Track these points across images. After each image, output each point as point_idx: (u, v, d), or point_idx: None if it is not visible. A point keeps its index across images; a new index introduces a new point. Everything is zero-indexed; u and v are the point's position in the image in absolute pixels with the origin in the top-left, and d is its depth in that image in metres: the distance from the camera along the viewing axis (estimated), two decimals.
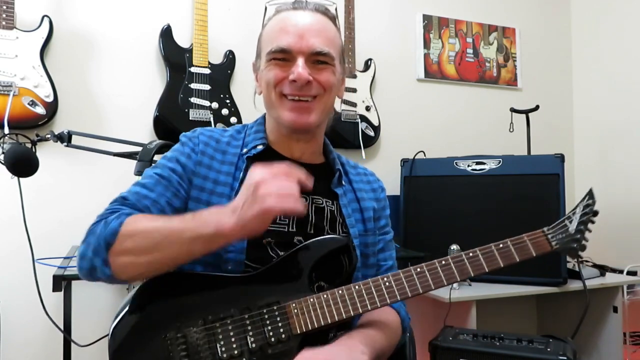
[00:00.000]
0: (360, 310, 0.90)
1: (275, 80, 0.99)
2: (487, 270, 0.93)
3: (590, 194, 0.97)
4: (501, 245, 0.94)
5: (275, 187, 0.82)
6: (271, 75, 1.00)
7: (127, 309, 0.91)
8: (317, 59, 0.99)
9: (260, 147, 1.04)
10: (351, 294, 0.91)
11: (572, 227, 0.94)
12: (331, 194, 1.08)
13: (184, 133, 1.08)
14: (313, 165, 1.07)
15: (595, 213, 0.95)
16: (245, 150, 1.04)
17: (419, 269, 0.93)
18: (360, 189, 1.13)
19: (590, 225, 0.96)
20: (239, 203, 0.84)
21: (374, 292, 0.91)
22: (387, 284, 0.92)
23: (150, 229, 0.88)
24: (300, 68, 0.96)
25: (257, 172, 0.84)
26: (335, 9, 1.11)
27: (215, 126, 2.13)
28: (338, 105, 1.13)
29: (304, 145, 1.06)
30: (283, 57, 0.98)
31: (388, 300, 0.91)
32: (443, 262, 0.94)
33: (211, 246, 0.87)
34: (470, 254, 0.94)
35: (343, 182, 1.10)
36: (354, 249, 1.02)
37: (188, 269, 0.95)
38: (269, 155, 1.05)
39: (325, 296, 0.90)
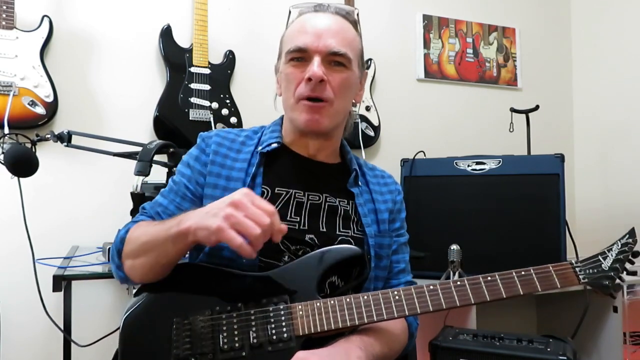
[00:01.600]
0: (366, 320, 0.90)
1: (292, 80, 1.01)
2: (504, 297, 0.89)
3: (631, 233, 0.94)
4: (523, 273, 0.90)
5: (242, 217, 0.81)
6: (289, 74, 1.02)
7: (144, 293, 0.95)
8: (333, 60, 1.00)
9: (274, 145, 1.06)
10: (358, 303, 0.90)
11: (607, 264, 0.91)
12: (346, 193, 1.08)
13: (201, 133, 1.11)
14: (329, 165, 1.10)
15: (635, 254, 0.91)
16: (260, 148, 1.07)
17: (431, 287, 0.91)
18: (376, 190, 1.13)
19: (627, 265, 0.92)
20: (210, 208, 0.85)
21: (382, 305, 0.90)
22: (396, 297, 0.91)
23: (141, 233, 0.94)
24: (315, 66, 0.97)
25: (242, 192, 0.84)
26: (357, 14, 1.12)
27: (215, 126, 2.13)
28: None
29: (319, 145, 1.08)
30: (300, 56, 1.00)
31: (395, 315, 0.90)
32: (458, 283, 0.91)
33: (179, 245, 0.88)
34: (489, 278, 0.91)
35: (359, 183, 1.11)
36: (369, 259, 1.02)
37: (216, 253, 0.98)
38: (283, 153, 1.08)
39: (332, 302, 0.90)
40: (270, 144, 1.06)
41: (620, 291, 2.05)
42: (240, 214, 0.81)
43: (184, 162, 1.08)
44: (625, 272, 0.92)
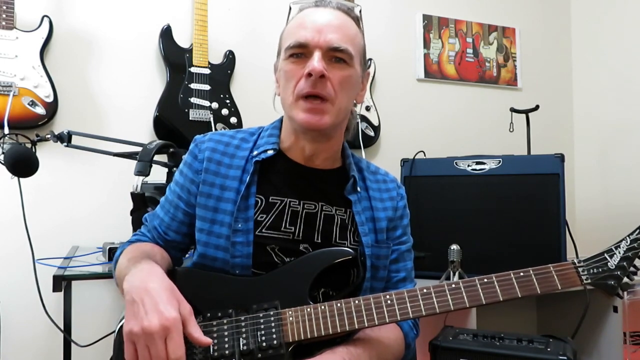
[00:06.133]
0: (356, 326, 0.88)
1: (292, 77, 0.97)
2: (501, 300, 0.86)
3: None
4: (521, 274, 0.87)
5: (142, 345, 0.77)
6: (288, 71, 0.97)
7: None
8: (334, 56, 0.95)
9: (270, 152, 1.02)
10: (349, 309, 0.88)
11: (613, 262, 0.85)
12: (344, 201, 1.04)
13: (195, 136, 1.08)
14: (327, 171, 1.06)
15: None
16: (255, 152, 1.03)
17: (425, 290, 0.89)
18: (376, 197, 1.08)
19: (637, 262, 0.86)
20: (140, 301, 0.81)
21: (373, 309, 0.88)
22: (388, 302, 0.88)
23: (120, 264, 0.98)
24: (315, 61, 0.93)
25: (169, 317, 0.78)
26: (360, 11, 1.08)
27: (215, 126, 2.13)
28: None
29: (316, 148, 1.02)
30: (300, 52, 0.96)
31: (387, 320, 0.88)
32: (453, 286, 0.88)
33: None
34: (485, 280, 0.87)
35: (358, 189, 1.06)
36: (363, 262, 1.00)
37: (209, 264, 0.98)
38: (279, 160, 1.04)
39: (322, 307, 0.88)
40: (266, 151, 1.02)
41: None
42: (142, 343, 0.78)
43: (179, 168, 1.07)
44: (633, 270, 0.87)
